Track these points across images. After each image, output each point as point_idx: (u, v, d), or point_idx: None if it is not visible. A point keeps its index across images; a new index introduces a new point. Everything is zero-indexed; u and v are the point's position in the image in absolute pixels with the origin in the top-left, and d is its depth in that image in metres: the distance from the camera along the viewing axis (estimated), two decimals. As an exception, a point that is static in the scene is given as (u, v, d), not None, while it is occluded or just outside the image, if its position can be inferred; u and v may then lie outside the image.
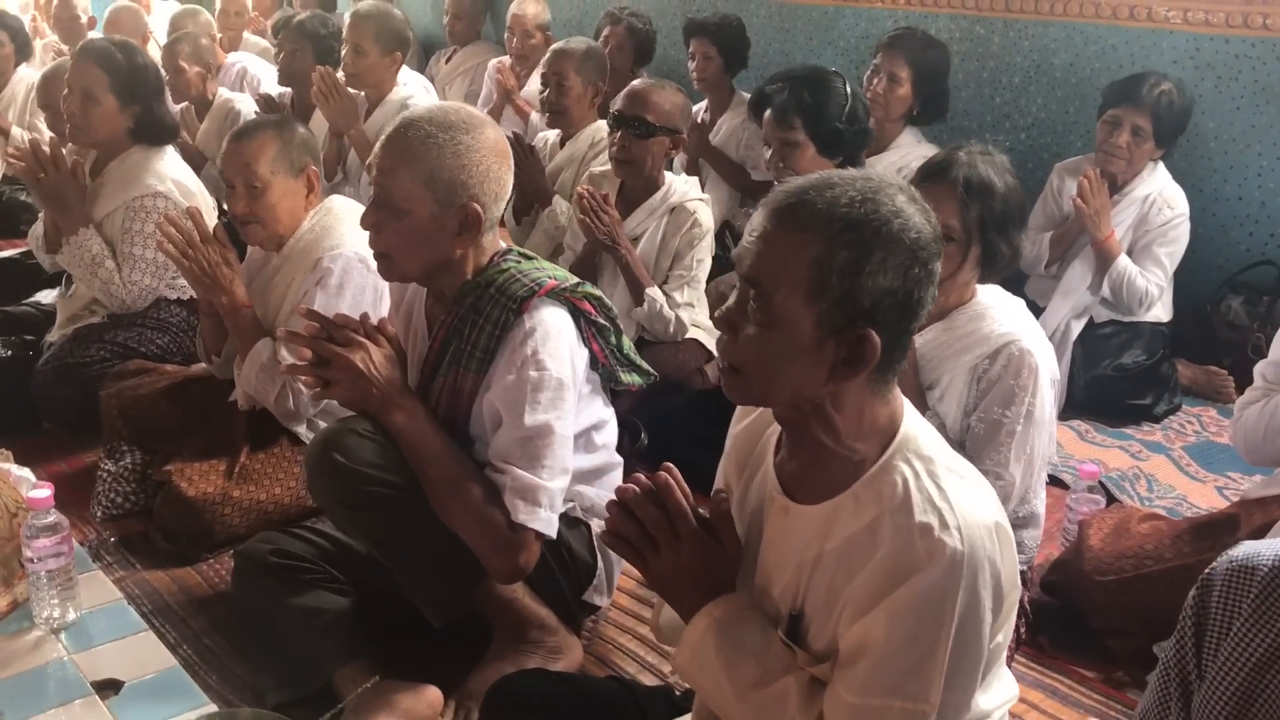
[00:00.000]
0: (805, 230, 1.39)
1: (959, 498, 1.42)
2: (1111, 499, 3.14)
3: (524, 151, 3.86)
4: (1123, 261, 3.74)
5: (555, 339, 2.20)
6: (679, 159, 4.37)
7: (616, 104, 3.46)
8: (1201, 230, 3.93)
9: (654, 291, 3.40)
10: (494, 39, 6.34)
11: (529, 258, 2.33)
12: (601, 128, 3.94)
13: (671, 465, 1.59)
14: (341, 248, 2.83)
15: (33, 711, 2.03)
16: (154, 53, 5.00)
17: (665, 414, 3.21)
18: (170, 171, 3.46)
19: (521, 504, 2.15)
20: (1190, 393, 3.94)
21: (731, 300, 1.47)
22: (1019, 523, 2.32)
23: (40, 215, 3.73)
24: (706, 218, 3.48)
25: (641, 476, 1.58)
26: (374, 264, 2.32)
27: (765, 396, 1.49)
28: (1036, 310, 3.36)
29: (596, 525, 2.38)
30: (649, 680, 2.35)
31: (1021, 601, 2.26)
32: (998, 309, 2.38)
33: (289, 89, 4.99)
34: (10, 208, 5.37)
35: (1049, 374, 2.36)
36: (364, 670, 2.23)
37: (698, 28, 4.81)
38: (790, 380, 1.42)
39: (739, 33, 4.82)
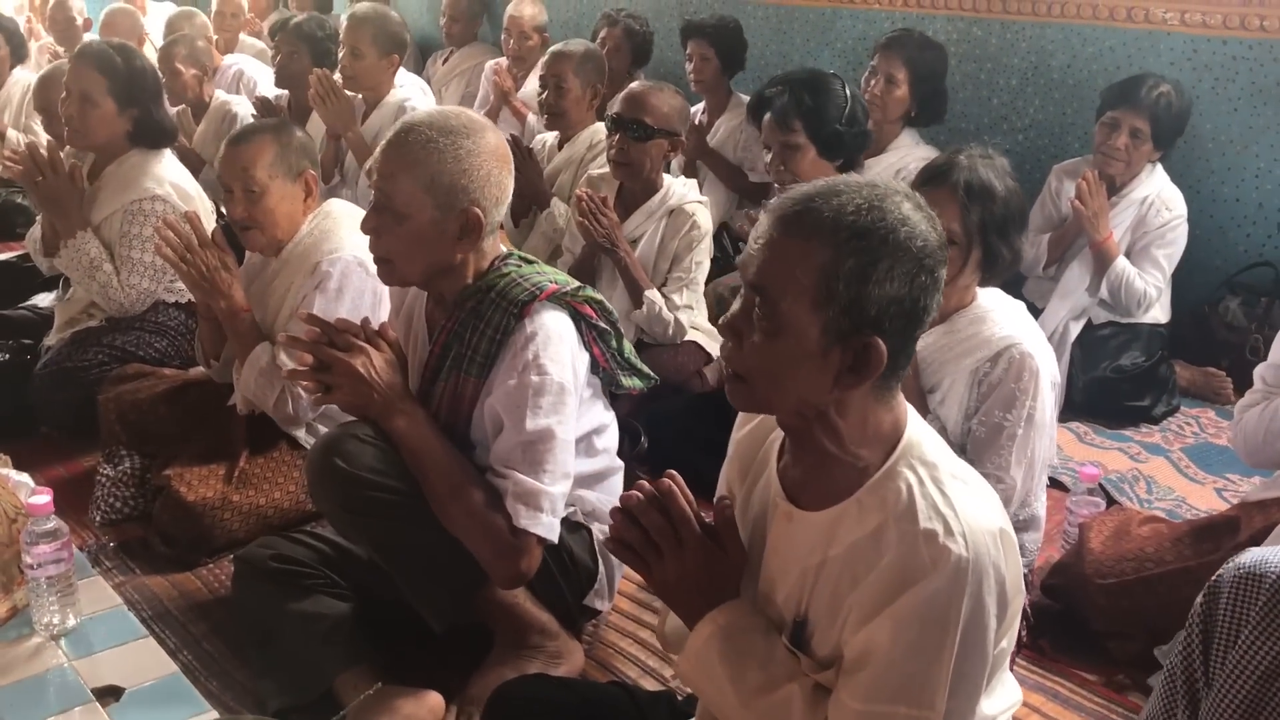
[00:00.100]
0: (812, 238, 1.39)
1: (963, 504, 1.42)
2: (1111, 501, 3.15)
3: (522, 154, 3.85)
4: (1121, 263, 3.75)
5: (556, 343, 2.19)
6: (677, 161, 4.37)
7: (614, 107, 3.45)
8: (1199, 231, 3.93)
9: (653, 294, 3.39)
10: (491, 40, 6.33)
11: (529, 261, 2.32)
12: (600, 130, 3.94)
13: (675, 472, 1.59)
14: (340, 251, 2.82)
15: (33, 719, 2.02)
16: (150, 55, 4.99)
17: (665, 417, 3.21)
18: (169, 175, 3.45)
19: (523, 509, 2.15)
20: (1188, 394, 3.95)
21: (736, 307, 1.46)
22: (1020, 526, 2.32)
23: (37, 218, 3.72)
24: (705, 220, 3.48)
25: (645, 483, 1.58)
26: (373, 267, 2.31)
27: (770, 404, 1.49)
28: (1035, 312, 3.36)
29: (597, 529, 2.38)
30: (650, 685, 2.34)
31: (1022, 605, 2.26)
32: (998, 312, 2.38)
33: (286, 91, 4.99)
34: (7, 210, 5.36)
35: (1050, 377, 2.36)
36: (365, 676, 2.23)
37: (695, 29, 4.80)
38: (795, 388, 1.42)
39: (736, 34, 4.82)
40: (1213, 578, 1.22)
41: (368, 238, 2.23)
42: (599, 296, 2.33)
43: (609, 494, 2.42)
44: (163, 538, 2.84)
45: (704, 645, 1.53)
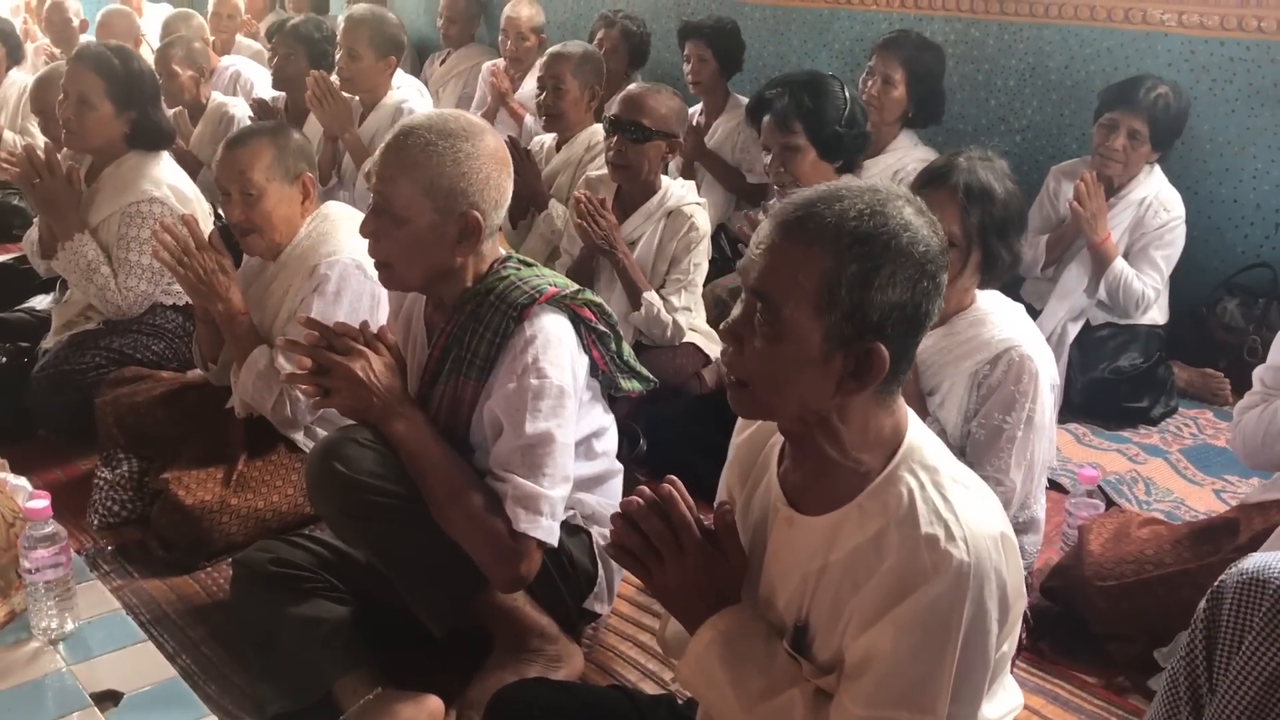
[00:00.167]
0: (814, 244, 1.38)
1: (964, 509, 1.42)
2: (1110, 503, 3.15)
3: (519, 155, 3.85)
4: (1119, 264, 3.75)
5: (556, 346, 2.19)
6: (674, 163, 4.36)
7: (612, 108, 3.45)
8: (1197, 233, 3.93)
9: (651, 296, 3.39)
10: (488, 42, 6.33)
11: (529, 264, 2.32)
12: (598, 131, 3.94)
13: (675, 478, 1.59)
14: (338, 254, 2.82)
15: (32, 724, 2.02)
16: (146, 56, 4.99)
17: (663, 419, 3.21)
18: (166, 177, 3.44)
19: (523, 512, 2.14)
20: (1186, 395, 3.95)
21: (737, 312, 1.46)
22: (1019, 528, 2.32)
23: (34, 220, 3.71)
24: (703, 222, 3.47)
25: (645, 489, 1.58)
26: (371, 270, 2.31)
27: (772, 410, 1.48)
28: (1033, 313, 3.36)
29: (597, 533, 2.37)
30: (651, 688, 2.34)
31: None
32: (998, 314, 2.38)
33: (283, 93, 4.98)
34: (4, 212, 5.35)
35: (1049, 379, 2.36)
36: (364, 680, 2.23)
37: (693, 30, 4.80)
38: (797, 393, 1.42)
39: (734, 35, 4.81)
40: (1215, 583, 1.21)
41: (366, 241, 2.23)
42: (598, 299, 2.33)
43: (608, 497, 2.42)
44: (161, 541, 2.83)
45: (705, 650, 1.53)
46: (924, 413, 2.35)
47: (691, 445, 2.90)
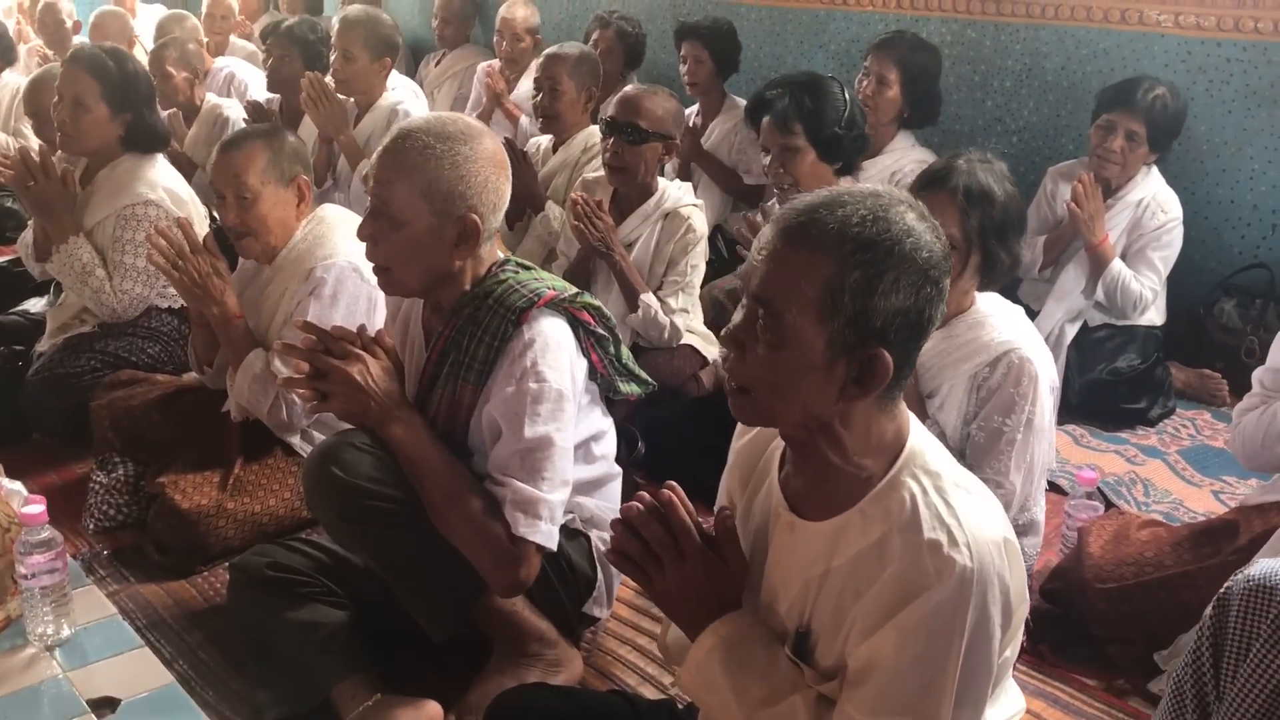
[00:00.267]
0: (817, 250, 1.38)
1: (967, 514, 1.41)
2: (1109, 505, 3.14)
3: (516, 157, 3.84)
4: (1117, 266, 3.75)
5: (555, 350, 2.18)
6: (671, 164, 4.36)
7: (609, 110, 3.44)
8: (1194, 233, 3.93)
9: (648, 298, 3.38)
10: (483, 42, 6.32)
11: (527, 268, 2.31)
12: (595, 133, 3.93)
13: (674, 483, 1.58)
14: (335, 257, 2.81)
15: (28, 731, 2.01)
16: (140, 58, 4.96)
17: (661, 421, 3.20)
18: (161, 180, 3.43)
19: (522, 517, 2.13)
20: (1184, 396, 3.95)
21: (739, 318, 1.45)
22: (1019, 530, 2.32)
23: (29, 223, 3.70)
24: (700, 223, 3.47)
25: (645, 494, 1.57)
26: (368, 273, 2.30)
27: (774, 416, 1.48)
28: (1030, 314, 3.35)
29: (596, 536, 2.37)
30: (650, 693, 2.34)
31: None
32: (997, 317, 2.38)
33: (277, 95, 4.97)
34: (-2, 214, 5.33)
35: (1048, 382, 2.36)
36: (363, 685, 2.22)
37: (689, 31, 4.80)
38: (800, 400, 1.41)
39: (730, 36, 4.81)
40: (1221, 589, 1.21)
41: (363, 244, 2.22)
42: (597, 303, 2.32)
43: (607, 501, 2.41)
44: (157, 545, 2.82)
45: (706, 657, 1.52)
46: (923, 415, 2.35)
47: (690, 447, 2.90)
